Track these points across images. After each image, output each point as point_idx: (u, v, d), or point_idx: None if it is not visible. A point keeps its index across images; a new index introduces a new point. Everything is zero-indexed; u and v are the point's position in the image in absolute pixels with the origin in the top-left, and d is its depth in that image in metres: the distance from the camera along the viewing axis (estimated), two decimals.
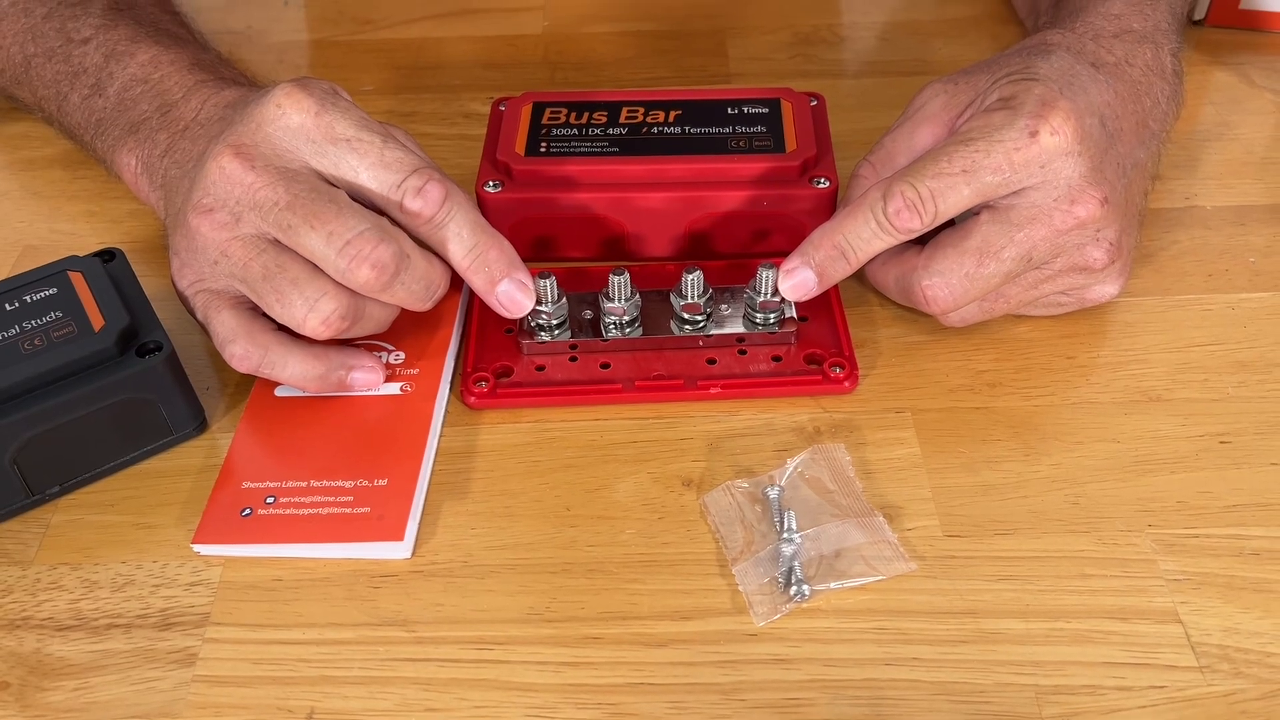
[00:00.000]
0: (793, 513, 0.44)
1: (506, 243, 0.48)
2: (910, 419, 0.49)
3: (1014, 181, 0.45)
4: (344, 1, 0.77)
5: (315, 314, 0.45)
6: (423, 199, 0.46)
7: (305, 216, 0.44)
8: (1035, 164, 0.45)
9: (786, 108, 0.57)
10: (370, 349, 0.50)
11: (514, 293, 0.48)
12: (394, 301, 0.46)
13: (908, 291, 0.48)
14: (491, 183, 0.54)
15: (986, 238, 0.46)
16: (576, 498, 0.46)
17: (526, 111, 0.58)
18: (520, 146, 0.55)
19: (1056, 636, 0.41)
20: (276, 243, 0.45)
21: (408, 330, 0.51)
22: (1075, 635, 0.41)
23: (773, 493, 0.45)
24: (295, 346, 0.47)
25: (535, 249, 0.56)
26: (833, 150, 0.55)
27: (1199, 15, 0.72)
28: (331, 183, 0.46)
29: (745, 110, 0.57)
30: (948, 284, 0.47)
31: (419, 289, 0.46)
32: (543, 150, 0.55)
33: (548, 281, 0.49)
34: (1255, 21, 0.72)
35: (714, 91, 0.59)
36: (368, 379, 0.49)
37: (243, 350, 0.46)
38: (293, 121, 0.45)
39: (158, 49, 0.55)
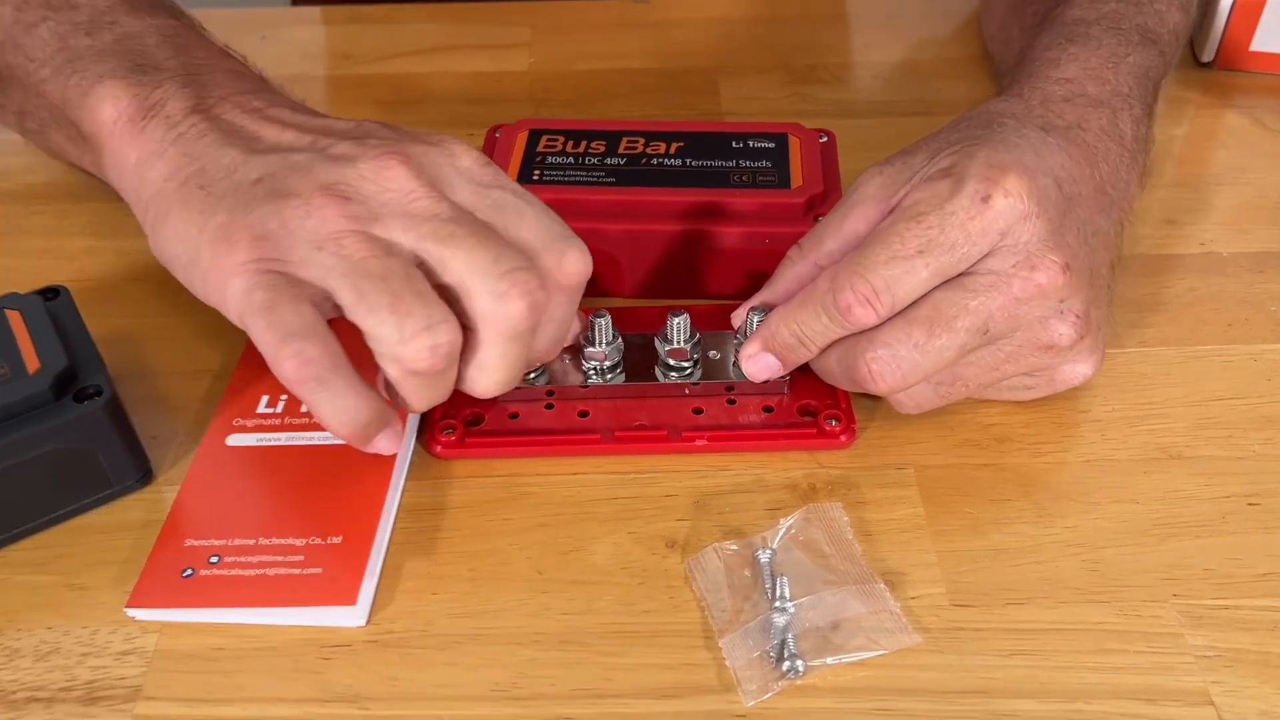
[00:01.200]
0: (786, 579, 0.40)
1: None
2: (913, 476, 0.45)
3: (972, 255, 0.41)
4: (323, 37, 0.75)
5: (428, 337, 0.38)
6: (518, 297, 0.40)
7: (472, 231, 0.40)
8: (993, 231, 0.41)
9: (794, 143, 0.54)
10: None
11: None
12: (524, 349, 0.41)
13: (851, 369, 0.42)
14: None
15: (938, 306, 0.41)
16: (549, 560, 0.42)
17: (522, 139, 0.55)
18: (513, 173, 0.52)
19: (1076, 719, 0.37)
20: (407, 257, 0.40)
21: (369, 373, 0.47)
22: (1097, 718, 0.37)
23: (764, 556, 0.41)
24: (358, 376, 0.40)
25: None
26: (842, 189, 0.52)
27: (1207, 58, 0.70)
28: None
29: (751, 144, 0.54)
30: (894, 356, 0.41)
31: (548, 344, 0.43)
32: (535, 178, 0.52)
33: None
34: (1265, 64, 0.69)
35: (719, 125, 0.56)
36: (390, 444, 0.43)
37: (315, 353, 0.38)
38: (462, 164, 0.42)
39: (194, 31, 0.50)
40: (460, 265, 0.40)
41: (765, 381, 0.46)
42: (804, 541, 0.42)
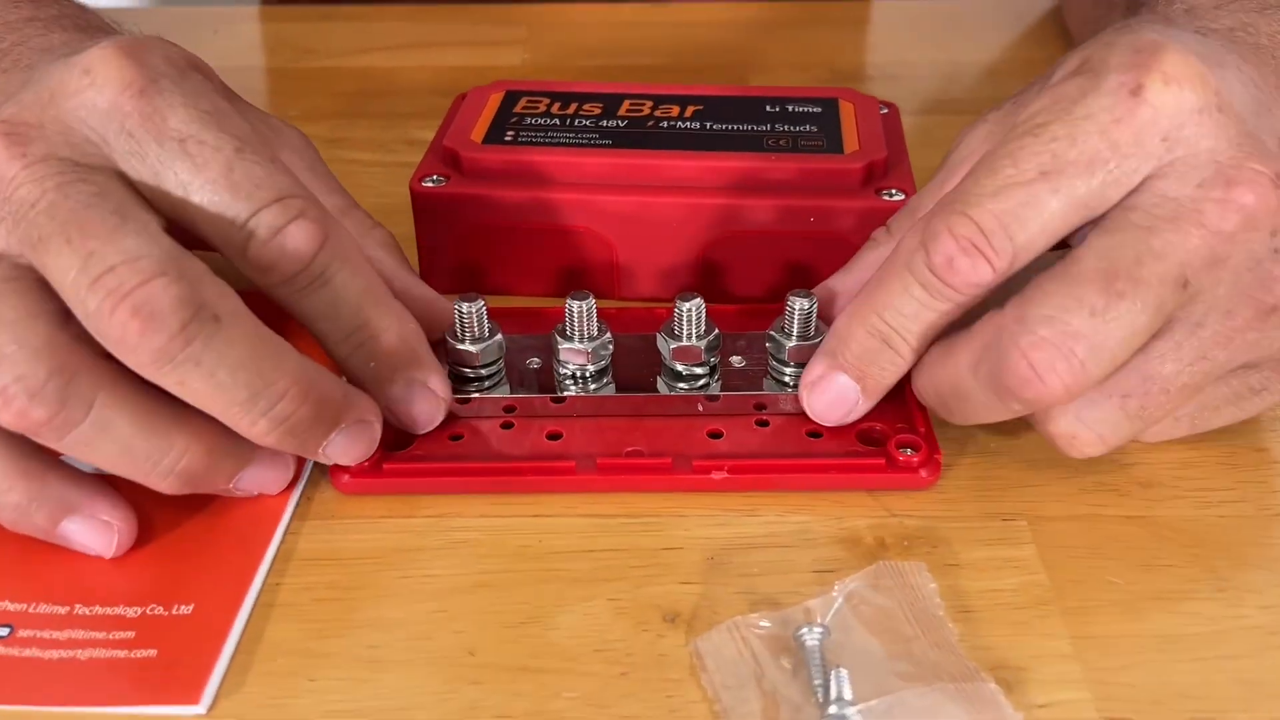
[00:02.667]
0: (845, 672, 0.26)
1: (410, 321, 0.32)
2: (1027, 530, 0.31)
3: (1127, 175, 0.28)
4: (285, 31, 0.64)
5: None
6: (281, 244, 0.29)
7: (65, 225, 0.27)
8: (1152, 136, 0.28)
9: (847, 108, 0.42)
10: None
11: (412, 399, 0.32)
12: (183, 394, 0.28)
13: (998, 369, 0.28)
14: (432, 177, 0.39)
15: (1108, 253, 0.28)
16: (488, 636, 0.28)
17: (496, 99, 0.43)
18: (478, 133, 0.40)
19: None
20: (19, 268, 0.28)
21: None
22: None
23: (811, 637, 0.27)
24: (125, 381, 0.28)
25: (483, 279, 0.40)
26: (911, 166, 0.39)
27: None
28: (149, 200, 0.29)
29: (791, 109, 0.42)
30: (1066, 334, 0.27)
31: (229, 379, 0.27)
32: (507, 138, 0.40)
33: (472, 307, 0.33)
34: None
35: (749, 89, 0.44)
36: (269, 478, 0.31)
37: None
38: (102, 99, 0.29)
39: None
40: (52, 277, 0.28)
41: (788, 371, 0.34)
42: (871, 617, 0.28)
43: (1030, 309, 0.28)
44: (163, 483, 0.29)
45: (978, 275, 0.28)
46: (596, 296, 0.33)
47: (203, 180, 0.29)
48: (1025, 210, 0.28)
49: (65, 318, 0.28)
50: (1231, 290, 0.28)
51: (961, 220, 0.28)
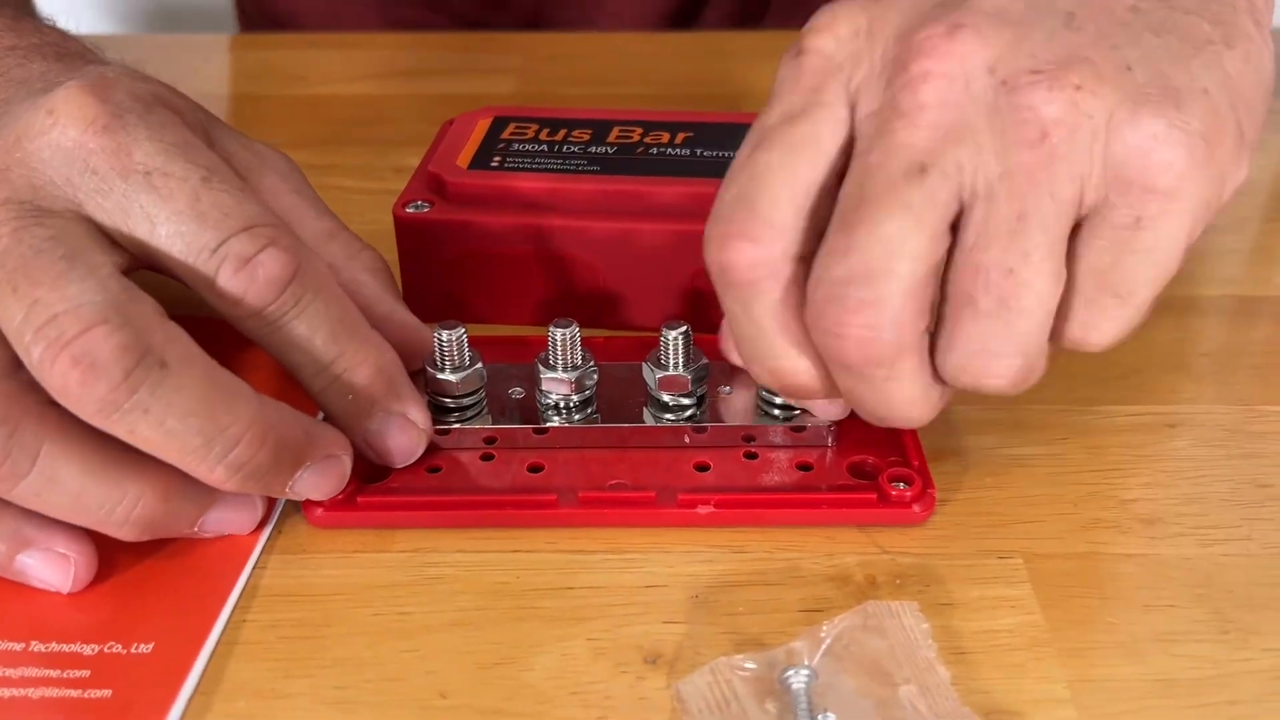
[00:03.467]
0: (832, 716, 0.25)
1: (388, 351, 0.31)
2: (1023, 569, 0.30)
3: (825, 110, 0.28)
4: (275, 58, 0.63)
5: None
6: (249, 276, 0.28)
7: (13, 273, 0.26)
8: (828, 71, 0.28)
9: None
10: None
11: (390, 432, 0.31)
12: (134, 442, 0.27)
13: (826, 349, 0.27)
14: (415, 203, 0.38)
15: (842, 194, 0.27)
16: (462, 678, 0.27)
17: (483, 125, 0.42)
18: (464, 159, 0.39)
19: None
20: None
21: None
22: None
23: (798, 680, 0.26)
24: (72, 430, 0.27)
25: (468, 307, 0.39)
26: None
27: None
28: (116, 240, 0.29)
29: None
30: (832, 282, 0.26)
31: (180, 426, 0.26)
32: (494, 164, 0.39)
33: (452, 335, 0.32)
34: None
35: (739, 115, 0.43)
36: (239, 519, 0.30)
37: None
38: (66, 139, 0.28)
39: None
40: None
41: (776, 402, 0.33)
42: (860, 659, 0.27)
43: (808, 290, 0.27)
44: (120, 531, 0.28)
45: (743, 255, 0.27)
46: (585, 325, 0.32)
47: (169, 212, 0.28)
48: (752, 182, 0.27)
49: (15, 366, 0.27)
50: (992, 145, 0.26)
51: (709, 227, 0.28)
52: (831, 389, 0.28)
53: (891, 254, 0.25)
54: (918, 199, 0.25)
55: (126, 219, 0.28)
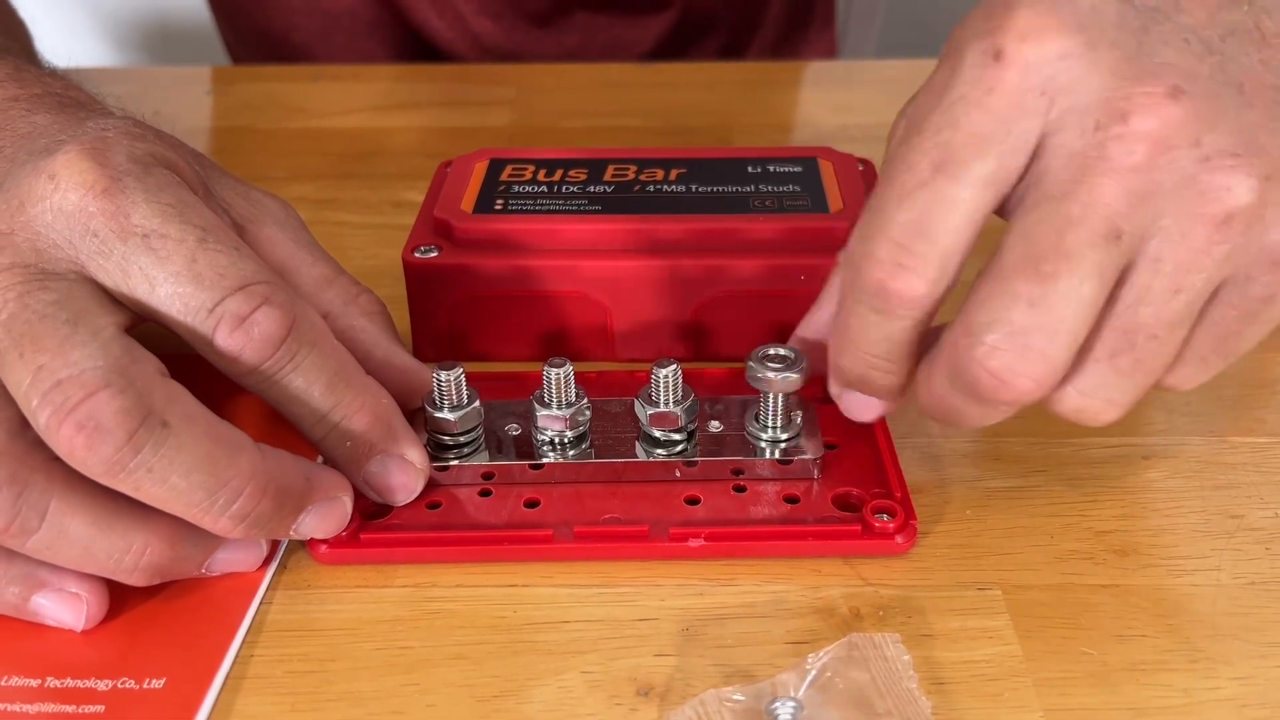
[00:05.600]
0: None
1: (384, 396, 0.32)
2: (1001, 600, 0.31)
3: (1020, 140, 0.27)
4: (275, 91, 0.65)
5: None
6: (245, 334, 0.29)
7: (19, 339, 0.28)
8: (1030, 93, 0.27)
9: (826, 167, 0.42)
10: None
11: (389, 474, 0.32)
12: (141, 498, 0.28)
13: (965, 378, 0.28)
14: (423, 248, 0.39)
15: (1028, 235, 0.27)
16: (461, 711, 0.28)
17: (481, 168, 0.43)
18: (467, 203, 0.41)
19: None
20: None
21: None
22: None
23: (785, 711, 0.27)
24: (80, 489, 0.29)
25: (477, 346, 0.41)
26: None
27: None
28: (119, 300, 0.30)
29: (772, 169, 0.42)
30: (1013, 333, 0.27)
31: (184, 482, 0.28)
32: (497, 208, 0.40)
33: (450, 375, 0.33)
34: None
35: (730, 150, 0.44)
36: (243, 558, 0.32)
37: None
38: (67, 203, 0.29)
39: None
40: (11, 390, 0.28)
41: (764, 436, 0.34)
42: (844, 690, 0.28)
43: (973, 318, 0.28)
44: (129, 578, 0.29)
45: (913, 290, 0.28)
46: (591, 360, 0.34)
47: (167, 273, 0.29)
48: (933, 210, 0.27)
49: (22, 425, 0.28)
50: (1175, 215, 0.27)
51: (877, 243, 0.28)
52: (898, 399, 0.31)
53: (1079, 315, 0.27)
54: (1110, 264, 0.27)
55: (127, 279, 0.29)
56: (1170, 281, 0.27)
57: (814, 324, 0.35)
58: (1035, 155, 0.27)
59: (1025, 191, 0.28)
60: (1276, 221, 0.27)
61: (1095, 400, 0.29)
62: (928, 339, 0.30)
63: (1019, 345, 0.27)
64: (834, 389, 0.33)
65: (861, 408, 0.33)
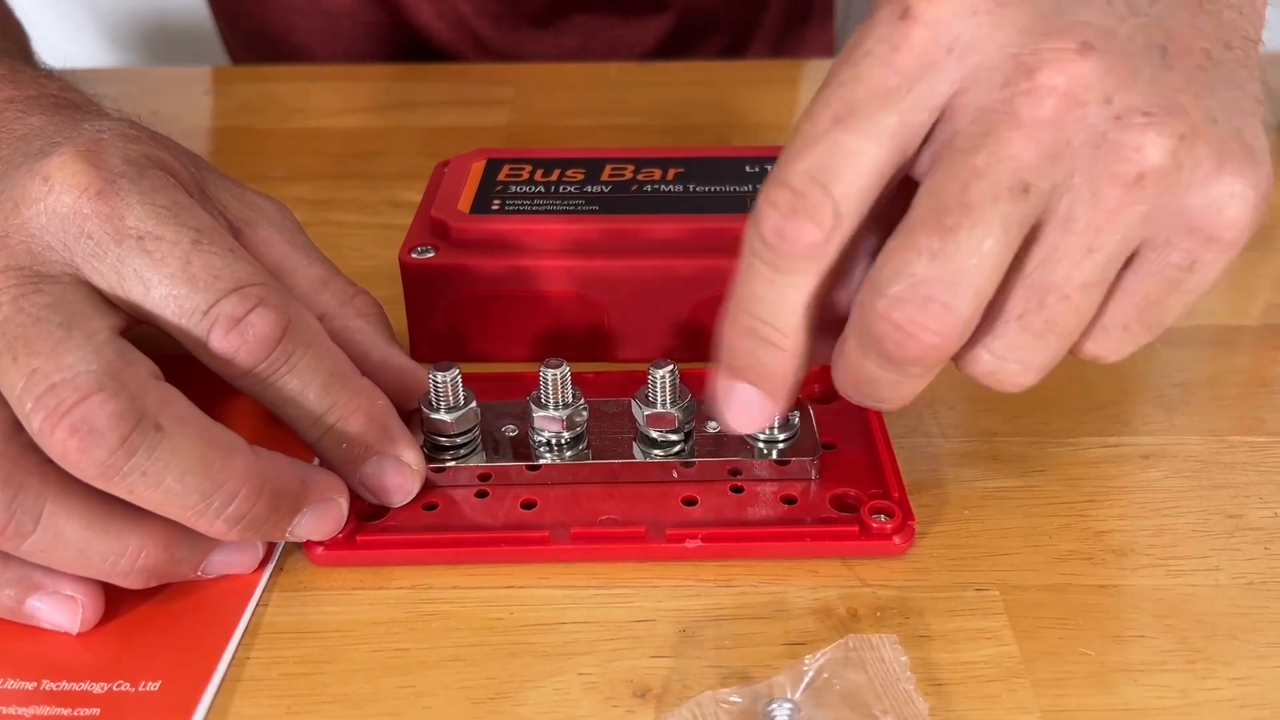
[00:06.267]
0: None
1: (380, 398, 0.32)
2: (999, 600, 0.31)
3: (926, 98, 0.26)
4: (274, 91, 0.65)
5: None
6: (240, 336, 0.29)
7: (13, 342, 0.27)
8: (936, 51, 0.26)
9: None
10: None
11: (385, 475, 0.32)
12: (135, 501, 0.28)
13: (868, 337, 0.27)
14: (419, 248, 0.39)
15: (934, 190, 0.26)
16: (456, 713, 0.28)
17: (478, 168, 0.43)
18: (464, 203, 0.41)
19: None
20: None
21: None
22: None
23: (781, 713, 0.27)
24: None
25: (474, 346, 0.40)
26: None
27: None
28: (113, 302, 0.30)
29: (769, 168, 0.42)
30: (915, 287, 0.26)
31: (178, 485, 0.28)
32: (494, 208, 0.40)
33: (446, 376, 0.33)
34: None
35: (726, 149, 0.44)
36: (240, 560, 0.32)
37: None
38: (62, 205, 0.29)
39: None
40: (4, 393, 0.28)
41: (761, 436, 0.33)
42: (841, 691, 0.28)
43: (879, 273, 0.27)
44: (125, 580, 0.29)
45: (807, 235, 0.27)
46: (585, 359, 0.33)
47: (161, 275, 0.29)
48: (831, 160, 0.26)
49: (16, 428, 0.28)
50: (1086, 173, 0.26)
51: (774, 189, 0.27)
52: (789, 388, 0.29)
53: (981, 267, 0.26)
54: (1015, 218, 0.26)
55: (121, 282, 0.29)
56: (1082, 240, 0.27)
57: None
58: (945, 116, 0.27)
59: (937, 152, 0.27)
60: (1194, 184, 0.27)
61: (1008, 363, 0.28)
62: (826, 322, 0.29)
63: (920, 296, 0.26)
64: (718, 390, 0.30)
65: (741, 415, 0.30)
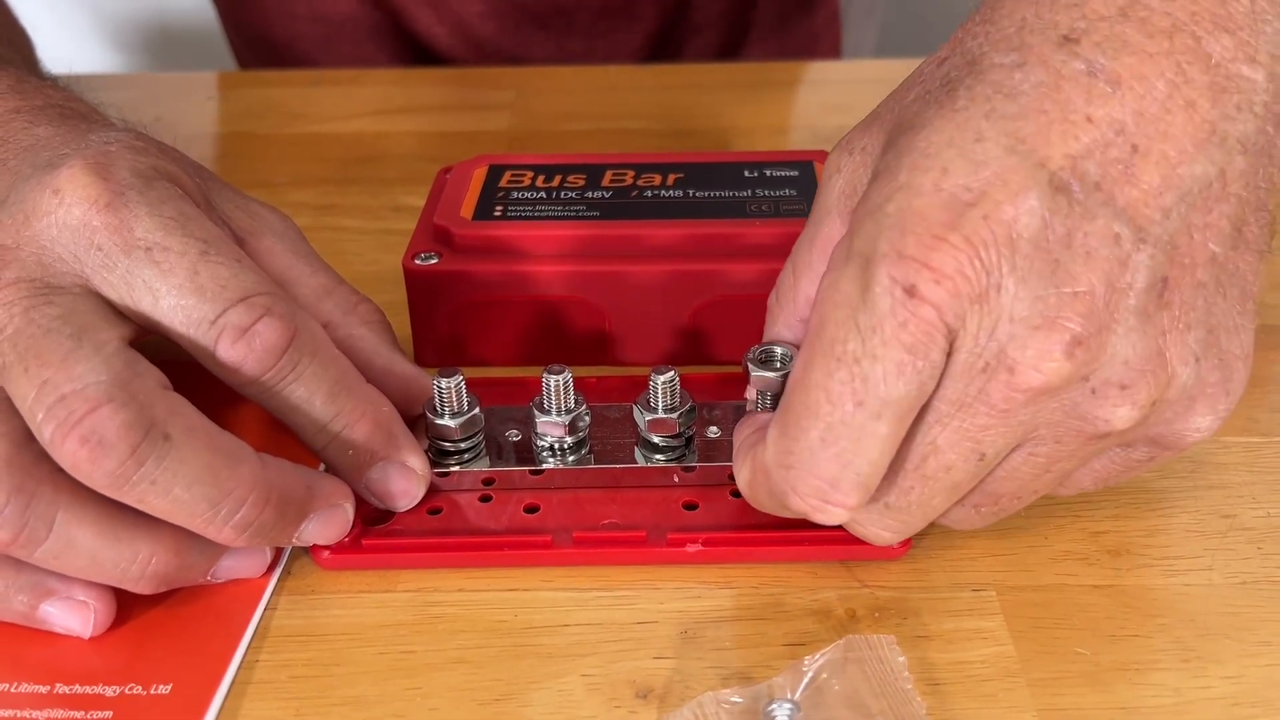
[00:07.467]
0: None
1: (385, 404, 0.33)
2: (996, 601, 0.32)
3: (930, 368, 0.27)
4: (276, 96, 0.65)
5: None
6: (247, 345, 0.30)
7: (24, 353, 0.28)
8: (938, 331, 0.26)
9: (822, 171, 0.43)
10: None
11: (390, 481, 0.33)
12: (145, 509, 0.28)
13: (786, 506, 0.29)
14: (423, 254, 0.40)
15: (907, 444, 0.28)
16: (462, 715, 0.29)
17: (480, 174, 0.44)
18: (467, 210, 0.41)
19: None
20: None
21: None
22: None
23: (781, 713, 0.27)
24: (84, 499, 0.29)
25: (478, 351, 0.41)
26: None
27: None
28: (123, 313, 0.30)
29: (768, 173, 0.43)
30: (869, 523, 0.30)
31: (187, 494, 0.28)
32: (497, 214, 0.41)
33: (451, 382, 0.34)
34: None
35: (726, 154, 0.45)
36: (249, 565, 0.32)
37: None
38: (71, 218, 0.30)
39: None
40: (17, 404, 0.29)
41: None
42: (841, 691, 0.28)
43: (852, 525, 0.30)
44: (136, 586, 0.30)
45: (840, 519, 0.28)
46: (591, 364, 0.34)
47: (169, 285, 0.30)
48: (858, 445, 0.27)
49: (28, 437, 0.28)
50: (1054, 430, 0.28)
51: (802, 480, 0.28)
52: None
53: (927, 515, 0.30)
54: (967, 478, 0.29)
55: (131, 292, 0.30)
56: (1040, 468, 0.29)
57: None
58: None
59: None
60: (1160, 424, 0.29)
61: (961, 524, 0.32)
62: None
63: (875, 530, 0.30)
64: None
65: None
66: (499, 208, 0.41)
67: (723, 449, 0.35)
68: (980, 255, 0.26)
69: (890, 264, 0.26)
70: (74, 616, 0.30)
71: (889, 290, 0.26)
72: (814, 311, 0.28)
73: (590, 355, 0.41)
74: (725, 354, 0.40)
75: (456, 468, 0.34)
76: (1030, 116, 0.26)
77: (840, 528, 0.32)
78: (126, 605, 0.31)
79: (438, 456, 0.34)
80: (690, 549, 0.32)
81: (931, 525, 0.33)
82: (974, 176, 0.26)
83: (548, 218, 0.41)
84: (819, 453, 0.27)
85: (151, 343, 0.31)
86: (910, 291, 0.26)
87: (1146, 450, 0.30)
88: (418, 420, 0.35)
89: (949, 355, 0.27)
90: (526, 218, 0.41)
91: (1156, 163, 0.26)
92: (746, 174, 0.43)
